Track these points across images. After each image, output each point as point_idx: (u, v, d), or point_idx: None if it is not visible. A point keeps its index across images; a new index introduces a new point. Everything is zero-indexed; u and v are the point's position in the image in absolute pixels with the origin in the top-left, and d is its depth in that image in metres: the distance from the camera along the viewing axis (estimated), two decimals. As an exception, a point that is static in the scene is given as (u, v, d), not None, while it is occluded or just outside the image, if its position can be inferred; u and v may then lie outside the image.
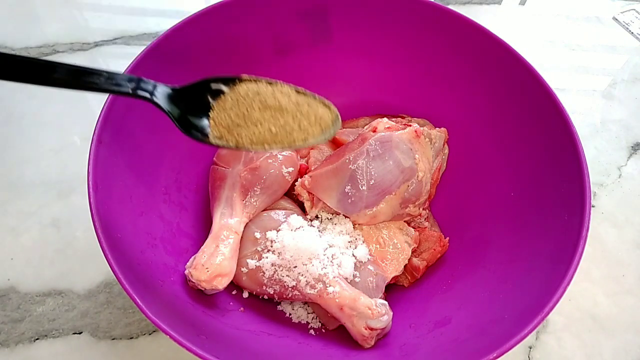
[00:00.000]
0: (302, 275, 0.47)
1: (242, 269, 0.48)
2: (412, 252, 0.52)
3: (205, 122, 0.42)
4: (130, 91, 0.40)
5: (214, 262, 0.45)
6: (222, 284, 0.45)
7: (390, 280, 0.50)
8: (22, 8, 0.78)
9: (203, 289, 0.46)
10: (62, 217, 0.59)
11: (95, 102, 0.67)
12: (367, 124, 0.58)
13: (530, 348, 0.54)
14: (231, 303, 0.49)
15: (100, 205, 0.41)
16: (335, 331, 0.49)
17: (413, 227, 0.54)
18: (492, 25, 0.54)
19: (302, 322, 0.50)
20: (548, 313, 0.38)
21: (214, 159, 0.54)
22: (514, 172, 0.52)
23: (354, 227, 0.52)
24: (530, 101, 0.51)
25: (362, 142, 0.51)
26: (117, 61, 0.74)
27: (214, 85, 0.43)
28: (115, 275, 0.38)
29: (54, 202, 0.60)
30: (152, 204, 0.49)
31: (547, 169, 0.49)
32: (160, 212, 0.49)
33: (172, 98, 0.42)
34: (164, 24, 0.78)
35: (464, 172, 0.57)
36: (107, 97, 0.45)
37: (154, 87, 0.41)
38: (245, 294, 0.50)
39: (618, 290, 0.59)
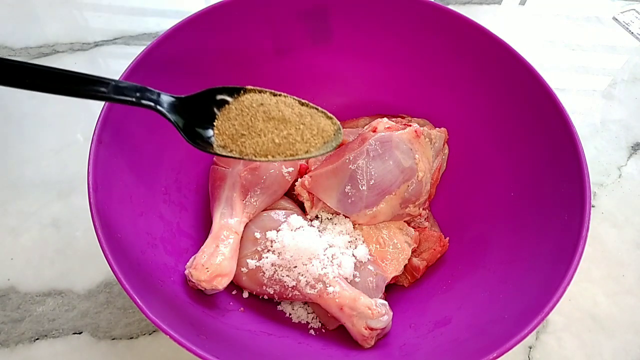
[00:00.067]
0: (302, 275, 0.47)
1: (242, 269, 0.48)
2: (412, 252, 0.52)
3: (209, 131, 0.43)
4: (135, 100, 0.40)
5: (214, 262, 0.45)
6: (222, 284, 0.45)
7: (390, 280, 0.50)
8: (22, 8, 0.78)
9: (203, 289, 0.46)
10: (62, 217, 0.59)
11: (95, 103, 0.67)
12: (367, 124, 0.58)
13: (530, 348, 0.54)
14: (231, 303, 0.49)
15: (100, 205, 0.41)
16: (335, 331, 0.49)
17: (413, 227, 0.54)
18: (492, 25, 0.54)
19: (302, 322, 0.50)
20: (548, 313, 0.38)
21: (214, 159, 0.54)
22: (514, 172, 0.52)
23: (354, 227, 0.52)
24: (530, 101, 0.51)
25: (362, 142, 0.51)
26: (117, 61, 0.74)
27: (218, 95, 0.44)
28: (115, 275, 0.38)
29: (54, 202, 0.60)
30: (152, 204, 0.49)
31: (547, 169, 0.49)
32: (160, 212, 0.49)
33: (176, 107, 0.42)
34: (164, 24, 0.78)
35: (464, 172, 0.57)
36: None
37: (159, 96, 0.42)
38: (245, 294, 0.50)
39: (618, 290, 0.59)
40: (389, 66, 0.60)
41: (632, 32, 0.86)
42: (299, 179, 0.53)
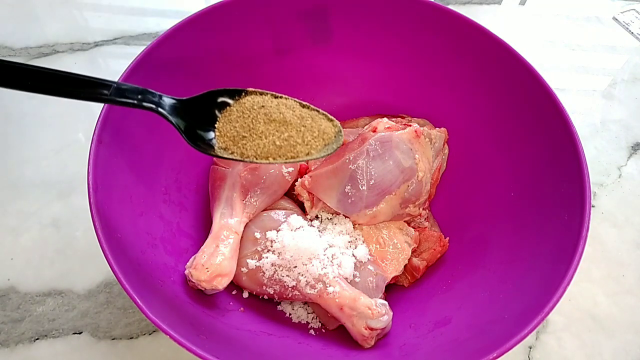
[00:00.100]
0: (302, 275, 0.47)
1: (242, 269, 0.48)
2: (412, 252, 0.52)
3: (210, 133, 0.43)
4: (137, 102, 0.40)
5: (214, 262, 0.45)
6: (222, 284, 0.45)
7: (390, 280, 0.50)
8: (22, 8, 0.78)
9: (203, 289, 0.46)
10: (62, 217, 0.59)
11: (95, 103, 0.67)
12: (367, 124, 0.58)
13: (530, 348, 0.54)
14: (231, 303, 0.49)
15: (100, 205, 0.41)
16: (335, 331, 0.49)
17: (413, 227, 0.54)
18: (492, 25, 0.54)
19: (302, 322, 0.50)
20: (548, 313, 0.38)
21: (214, 159, 0.54)
22: (514, 172, 0.52)
23: (354, 227, 0.52)
24: (530, 101, 0.51)
25: (362, 142, 0.51)
26: (117, 61, 0.74)
27: (219, 98, 0.44)
28: (115, 275, 0.38)
29: (54, 202, 0.60)
30: (152, 204, 0.49)
31: (547, 169, 0.49)
32: (160, 212, 0.49)
33: (178, 109, 0.42)
34: (164, 24, 0.78)
35: (464, 172, 0.57)
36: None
37: (160, 98, 0.42)
38: (245, 294, 0.50)
39: (618, 290, 0.59)
40: (389, 66, 0.60)
41: (632, 32, 0.86)
42: (299, 179, 0.53)
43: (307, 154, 0.43)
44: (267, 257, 0.48)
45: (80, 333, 0.52)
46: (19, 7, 0.78)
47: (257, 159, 0.42)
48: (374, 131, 0.52)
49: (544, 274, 0.42)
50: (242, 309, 0.49)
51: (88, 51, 0.74)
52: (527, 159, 0.51)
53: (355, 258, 0.49)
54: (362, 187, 0.50)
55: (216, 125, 0.43)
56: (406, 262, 0.51)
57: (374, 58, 0.60)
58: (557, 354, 0.54)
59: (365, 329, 0.45)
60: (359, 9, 0.57)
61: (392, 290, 0.53)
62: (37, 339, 0.51)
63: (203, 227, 0.53)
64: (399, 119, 0.58)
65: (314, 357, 0.46)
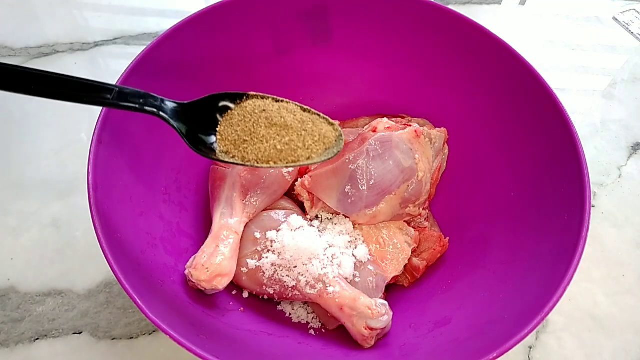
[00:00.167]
0: (302, 275, 0.47)
1: (242, 269, 0.48)
2: (412, 252, 0.52)
3: (212, 137, 0.43)
4: (138, 107, 0.40)
5: (214, 262, 0.45)
6: (222, 284, 0.45)
7: (390, 280, 0.50)
8: (22, 8, 0.78)
9: (203, 289, 0.46)
10: (62, 217, 0.59)
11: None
12: (367, 124, 0.58)
13: (530, 348, 0.54)
14: (231, 303, 0.49)
15: (100, 205, 0.41)
16: (335, 331, 0.49)
17: (413, 227, 0.54)
18: (492, 25, 0.54)
19: (302, 322, 0.50)
20: (548, 313, 0.38)
21: (214, 159, 0.54)
22: (514, 172, 0.52)
23: (354, 227, 0.52)
24: (530, 101, 0.51)
25: (362, 142, 0.51)
26: (117, 61, 0.74)
27: (220, 102, 0.44)
28: (115, 275, 0.38)
29: (54, 202, 0.60)
30: (152, 204, 0.49)
31: (547, 169, 0.49)
32: (160, 212, 0.49)
33: (179, 114, 0.43)
34: (164, 24, 0.78)
35: (464, 172, 0.57)
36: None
37: (162, 102, 0.42)
38: (245, 294, 0.50)
39: (618, 290, 0.59)
40: (389, 66, 0.60)
41: (632, 32, 0.86)
42: (299, 179, 0.53)
43: (308, 158, 0.43)
44: (267, 257, 0.48)
45: (80, 333, 0.52)
46: (19, 7, 0.78)
47: (258, 163, 0.42)
48: (374, 131, 0.52)
49: (544, 274, 0.42)
50: (242, 309, 0.49)
51: (88, 51, 0.74)
52: (527, 159, 0.51)
53: (355, 258, 0.49)
54: (362, 187, 0.50)
55: (217, 129, 0.44)
56: (406, 262, 0.51)
57: (374, 58, 0.60)
58: (557, 354, 0.54)
59: (365, 329, 0.45)
60: (359, 9, 0.57)
61: (392, 290, 0.53)
62: (37, 339, 0.51)
63: (203, 227, 0.53)
64: (399, 119, 0.58)
65: (314, 357, 0.46)
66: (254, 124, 0.43)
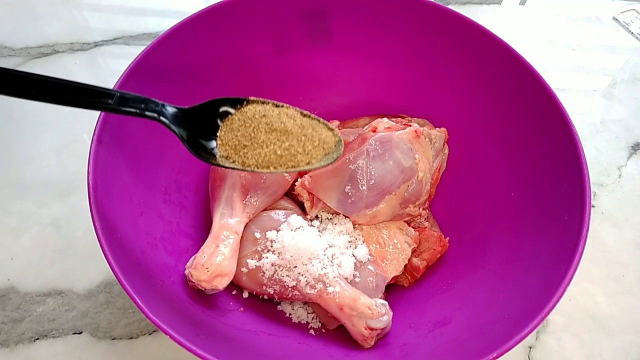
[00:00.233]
0: (302, 275, 0.47)
1: (242, 269, 0.48)
2: (412, 252, 0.52)
3: (212, 142, 0.44)
4: (139, 112, 0.41)
5: (214, 262, 0.45)
6: (222, 284, 0.45)
7: (390, 280, 0.50)
8: (22, 8, 0.78)
9: (203, 289, 0.46)
10: (62, 217, 0.59)
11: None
12: (367, 124, 0.58)
13: (530, 348, 0.54)
14: (231, 303, 0.49)
15: (100, 205, 0.41)
16: (335, 331, 0.49)
17: (413, 227, 0.54)
18: (492, 25, 0.54)
19: (302, 322, 0.50)
20: (548, 313, 0.38)
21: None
22: (514, 172, 0.52)
23: (354, 227, 0.52)
24: (530, 101, 0.51)
25: (362, 142, 0.51)
26: (117, 61, 0.74)
27: (221, 107, 0.44)
28: (115, 275, 0.38)
29: (54, 202, 0.60)
30: (152, 204, 0.49)
31: (547, 169, 0.49)
32: (160, 212, 0.49)
33: (180, 119, 0.43)
34: (164, 24, 0.78)
35: (464, 172, 0.57)
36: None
37: (163, 107, 0.42)
38: (245, 294, 0.50)
39: (618, 290, 0.59)
40: (389, 66, 0.60)
41: (632, 32, 0.86)
42: (299, 179, 0.53)
43: (308, 163, 0.43)
44: (267, 257, 0.48)
45: (80, 333, 0.52)
46: (19, 7, 0.78)
47: (258, 167, 0.43)
48: (374, 131, 0.52)
49: (544, 274, 0.42)
50: (242, 309, 0.49)
51: (88, 51, 0.74)
52: (527, 159, 0.51)
53: (355, 258, 0.49)
54: (362, 187, 0.50)
55: (218, 134, 0.44)
56: (406, 262, 0.51)
57: (374, 58, 0.60)
58: (557, 354, 0.54)
59: (365, 329, 0.45)
60: (359, 9, 0.57)
61: (392, 290, 0.53)
62: (37, 339, 0.51)
63: (203, 227, 0.53)
64: (399, 119, 0.58)
65: (314, 357, 0.46)
66: (254, 129, 0.43)
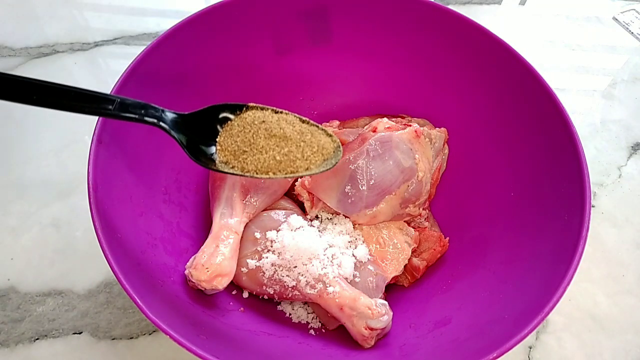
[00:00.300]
0: (302, 275, 0.47)
1: (242, 269, 0.48)
2: (412, 252, 0.52)
3: (212, 148, 0.44)
4: (139, 117, 0.41)
5: (214, 262, 0.45)
6: (222, 284, 0.45)
7: (390, 280, 0.50)
8: (22, 8, 0.78)
9: (203, 289, 0.46)
10: (62, 217, 0.59)
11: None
12: (367, 124, 0.58)
13: (530, 348, 0.54)
14: (231, 303, 0.49)
15: (100, 205, 0.41)
16: (335, 331, 0.49)
17: (413, 227, 0.54)
18: (492, 25, 0.54)
19: (302, 322, 0.50)
20: (548, 313, 0.38)
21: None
22: (514, 172, 0.52)
23: (354, 227, 0.52)
24: (530, 101, 0.51)
25: (362, 142, 0.51)
26: (117, 61, 0.74)
27: (221, 113, 0.45)
28: (115, 275, 0.38)
29: (54, 202, 0.60)
30: (152, 204, 0.49)
31: (547, 169, 0.49)
32: (160, 212, 0.49)
33: (179, 124, 0.43)
34: (164, 24, 0.78)
35: (464, 172, 0.57)
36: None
37: (163, 113, 0.42)
38: (245, 294, 0.50)
39: (618, 290, 0.59)
40: (389, 66, 0.60)
41: (632, 32, 0.86)
42: (299, 179, 0.53)
43: (307, 168, 0.44)
44: (267, 257, 0.48)
45: (80, 333, 0.52)
46: (19, 7, 0.78)
47: (257, 173, 0.43)
48: (374, 131, 0.52)
49: (544, 274, 0.42)
50: (242, 309, 0.49)
51: (88, 51, 0.74)
52: (527, 159, 0.51)
53: (355, 258, 0.49)
54: (362, 187, 0.50)
55: (217, 140, 0.44)
56: (406, 262, 0.51)
57: (374, 58, 0.60)
58: (557, 354, 0.54)
59: (365, 329, 0.45)
60: (359, 9, 0.57)
61: (392, 290, 0.53)
62: (37, 339, 0.51)
63: (203, 227, 0.53)
64: (399, 119, 0.58)
65: (314, 357, 0.46)
66: (254, 135, 0.43)
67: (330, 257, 0.48)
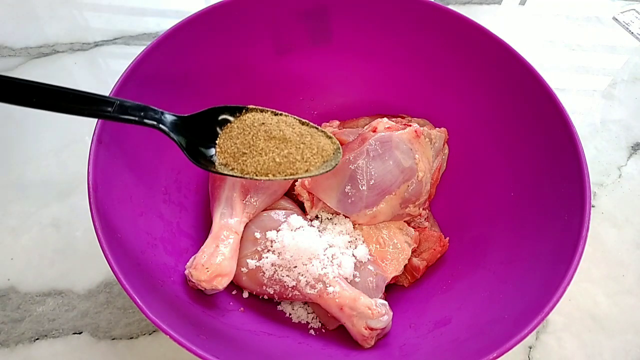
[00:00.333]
0: (302, 275, 0.47)
1: (242, 269, 0.48)
2: (412, 252, 0.52)
3: (211, 150, 0.44)
4: (139, 119, 0.41)
5: (214, 262, 0.45)
6: (222, 284, 0.45)
7: (390, 280, 0.50)
8: (22, 8, 0.78)
9: (203, 289, 0.46)
10: (62, 217, 0.59)
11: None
12: (367, 124, 0.58)
13: (530, 348, 0.54)
14: (231, 303, 0.49)
15: (100, 205, 0.41)
16: (335, 331, 0.49)
17: (413, 227, 0.54)
18: (492, 25, 0.54)
19: (302, 322, 0.50)
20: (548, 313, 0.38)
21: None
22: (514, 172, 0.52)
23: (354, 227, 0.52)
24: (530, 101, 0.51)
25: (362, 142, 0.51)
26: (117, 61, 0.74)
27: (220, 115, 0.45)
28: (115, 275, 0.38)
29: (54, 202, 0.60)
30: (152, 204, 0.49)
31: (547, 169, 0.49)
32: (160, 212, 0.49)
33: (179, 126, 0.43)
34: (164, 24, 0.78)
35: (464, 172, 0.57)
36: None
37: (162, 115, 0.42)
38: (245, 294, 0.50)
39: (618, 290, 0.59)
40: (389, 66, 0.60)
41: (632, 32, 0.86)
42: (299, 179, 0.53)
43: (306, 170, 0.44)
44: (267, 257, 0.48)
45: (80, 333, 0.52)
46: (19, 7, 0.78)
47: (257, 175, 0.43)
48: (374, 131, 0.52)
49: (544, 274, 0.42)
50: (242, 309, 0.49)
51: (88, 51, 0.74)
52: (527, 159, 0.51)
53: (355, 258, 0.49)
54: (362, 187, 0.50)
55: (217, 142, 0.44)
56: (406, 262, 0.51)
57: (374, 58, 0.60)
58: (557, 354, 0.54)
59: (365, 329, 0.45)
60: (359, 9, 0.57)
61: (392, 290, 0.53)
62: (37, 339, 0.51)
63: (203, 227, 0.53)
64: (399, 119, 0.58)
65: (314, 357, 0.46)
66: (253, 137, 0.44)
67: (330, 257, 0.48)
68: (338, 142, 0.46)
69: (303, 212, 0.53)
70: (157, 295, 0.42)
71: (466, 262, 0.51)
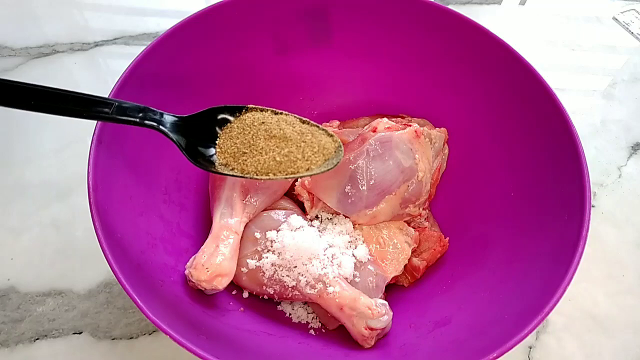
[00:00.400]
0: (302, 275, 0.47)
1: (242, 269, 0.48)
2: (412, 252, 0.52)
3: (211, 150, 0.44)
4: (138, 121, 0.41)
5: (214, 262, 0.45)
6: (222, 284, 0.45)
7: (390, 280, 0.50)
8: (22, 8, 0.78)
9: (203, 289, 0.46)
10: (62, 217, 0.59)
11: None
12: (367, 124, 0.57)
13: (530, 348, 0.54)
14: (231, 303, 0.49)
15: (100, 205, 0.41)
16: (335, 331, 0.49)
17: (413, 227, 0.54)
18: (492, 25, 0.54)
19: (302, 322, 0.50)
20: (548, 313, 0.38)
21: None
22: (514, 172, 0.52)
23: (354, 227, 0.52)
24: (530, 101, 0.51)
25: (362, 142, 0.51)
26: (117, 61, 0.74)
27: (220, 115, 0.45)
28: (115, 275, 0.38)
29: (54, 202, 0.60)
30: (152, 204, 0.49)
31: (547, 169, 0.49)
32: (160, 212, 0.49)
33: (178, 127, 0.43)
34: (164, 24, 0.78)
35: (464, 172, 0.57)
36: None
37: (161, 116, 0.42)
38: (245, 294, 0.50)
39: (618, 290, 0.59)
40: (389, 66, 0.60)
41: (632, 32, 0.86)
42: (299, 179, 0.53)
43: (307, 169, 0.44)
44: (267, 257, 0.48)
45: (80, 333, 0.52)
46: (19, 7, 0.78)
47: (257, 174, 0.43)
48: (374, 131, 0.52)
49: (544, 274, 0.42)
50: (242, 309, 0.49)
51: (88, 51, 0.74)
52: (527, 159, 0.51)
53: (355, 258, 0.49)
54: (362, 187, 0.50)
55: (217, 142, 0.44)
56: (406, 262, 0.51)
57: (374, 58, 0.60)
58: (557, 354, 0.54)
59: (365, 329, 0.45)
60: (359, 9, 0.57)
61: (392, 290, 0.53)
62: (37, 339, 0.51)
63: (203, 227, 0.53)
64: (399, 119, 0.58)
65: (314, 357, 0.46)
66: (253, 136, 0.43)
67: (330, 257, 0.48)
68: (339, 140, 0.45)
69: (303, 212, 0.53)
70: (157, 295, 0.42)
71: (466, 262, 0.51)
